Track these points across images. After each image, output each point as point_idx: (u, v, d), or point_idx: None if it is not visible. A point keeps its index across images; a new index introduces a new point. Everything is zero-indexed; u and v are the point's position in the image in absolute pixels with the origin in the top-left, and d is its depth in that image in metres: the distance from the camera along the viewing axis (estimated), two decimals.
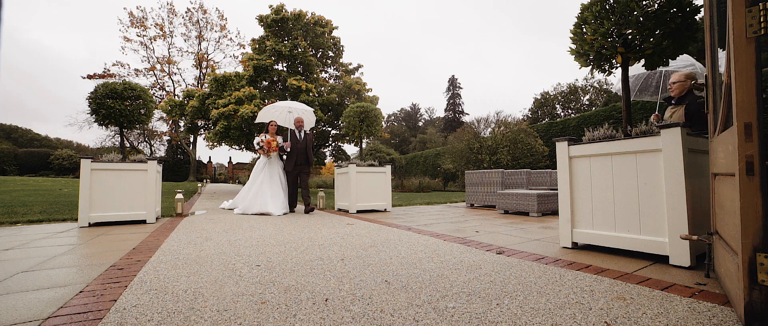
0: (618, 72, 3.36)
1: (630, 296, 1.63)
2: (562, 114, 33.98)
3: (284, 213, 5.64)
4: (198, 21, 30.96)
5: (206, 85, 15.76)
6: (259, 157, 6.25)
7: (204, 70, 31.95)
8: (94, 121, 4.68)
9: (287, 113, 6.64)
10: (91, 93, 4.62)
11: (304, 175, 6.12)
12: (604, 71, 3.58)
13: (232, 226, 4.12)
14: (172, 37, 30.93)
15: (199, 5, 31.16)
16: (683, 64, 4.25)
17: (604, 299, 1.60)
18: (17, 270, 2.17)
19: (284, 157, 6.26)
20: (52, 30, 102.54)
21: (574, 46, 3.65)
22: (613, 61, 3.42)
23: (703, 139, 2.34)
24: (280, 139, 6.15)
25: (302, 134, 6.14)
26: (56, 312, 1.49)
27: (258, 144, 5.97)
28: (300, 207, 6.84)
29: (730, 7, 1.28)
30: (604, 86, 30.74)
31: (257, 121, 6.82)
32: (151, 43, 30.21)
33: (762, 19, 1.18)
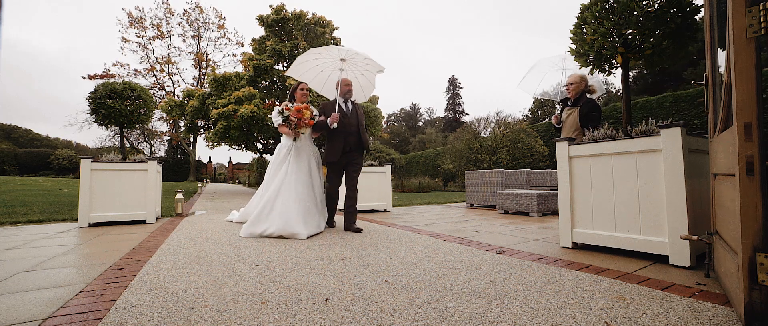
0: (618, 72, 3.36)
1: (630, 296, 1.63)
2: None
3: (317, 234, 3.48)
4: (195, 20, 30.96)
5: (206, 84, 15.77)
6: (277, 139, 4.63)
7: (204, 70, 31.96)
8: (94, 121, 4.69)
9: (338, 69, 4.06)
10: (91, 93, 4.63)
11: (353, 170, 3.83)
12: (604, 71, 3.59)
13: (231, 226, 4.12)
14: (170, 37, 30.94)
15: (195, 5, 31.13)
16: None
17: (604, 299, 1.60)
18: (17, 270, 2.17)
19: (323, 142, 4.13)
20: (52, 30, 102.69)
21: (574, 46, 3.66)
22: (613, 61, 3.42)
23: (703, 139, 2.34)
24: (314, 110, 3.93)
25: (349, 105, 3.87)
26: (56, 312, 1.49)
27: (281, 114, 3.70)
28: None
29: (730, 7, 1.28)
30: (604, 86, 30.75)
31: (288, 72, 4.22)
32: (150, 43, 30.21)
33: (762, 19, 1.18)
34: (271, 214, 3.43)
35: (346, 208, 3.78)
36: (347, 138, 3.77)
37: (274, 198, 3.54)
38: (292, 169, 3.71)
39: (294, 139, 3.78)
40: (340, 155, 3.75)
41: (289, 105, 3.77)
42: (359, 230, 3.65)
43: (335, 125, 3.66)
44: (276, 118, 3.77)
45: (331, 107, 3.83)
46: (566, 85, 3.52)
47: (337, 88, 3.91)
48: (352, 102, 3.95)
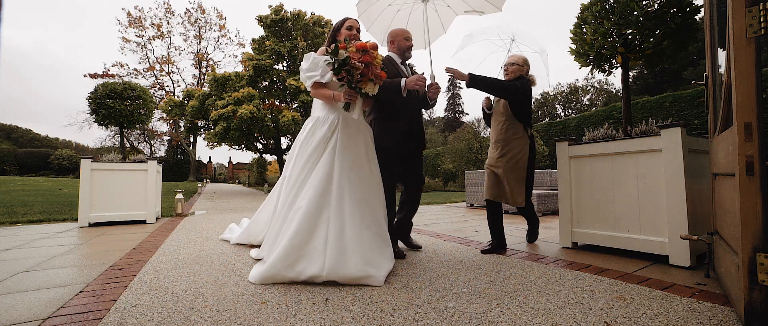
0: (618, 72, 3.35)
1: (630, 296, 1.63)
2: (562, 114, 34.00)
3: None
4: (196, 21, 30.95)
5: (206, 84, 15.77)
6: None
7: (204, 70, 31.95)
8: (94, 121, 4.69)
9: (418, 1, 2.87)
10: (91, 93, 4.63)
11: (418, 165, 2.78)
12: (604, 71, 3.58)
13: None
14: (170, 37, 30.93)
15: (197, 5, 31.14)
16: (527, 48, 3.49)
17: (604, 299, 1.60)
18: (17, 270, 2.17)
19: (376, 119, 2.58)
20: (52, 31, 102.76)
21: (574, 46, 3.65)
22: (613, 61, 3.42)
23: (703, 139, 2.34)
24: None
25: (407, 70, 2.66)
26: (56, 312, 1.49)
27: (332, 56, 1.94)
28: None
29: (730, 7, 1.28)
30: (605, 86, 30.77)
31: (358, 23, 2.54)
32: (150, 43, 30.19)
33: (762, 19, 1.18)
34: (310, 244, 1.90)
35: (399, 221, 2.75)
36: (412, 118, 2.55)
37: (315, 215, 1.97)
38: (341, 161, 2.11)
39: (346, 108, 2.12)
40: (400, 140, 2.49)
41: (345, 47, 1.99)
42: (418, 247, 2.78)
43: (407, 92, 2.31)
44: (313, 72, 2.16)
45: (391, 67, 2.50)
46: (505, 66, 3.02)
47: (389, 43, 2.65)
48: (411, 66, 2.68)
